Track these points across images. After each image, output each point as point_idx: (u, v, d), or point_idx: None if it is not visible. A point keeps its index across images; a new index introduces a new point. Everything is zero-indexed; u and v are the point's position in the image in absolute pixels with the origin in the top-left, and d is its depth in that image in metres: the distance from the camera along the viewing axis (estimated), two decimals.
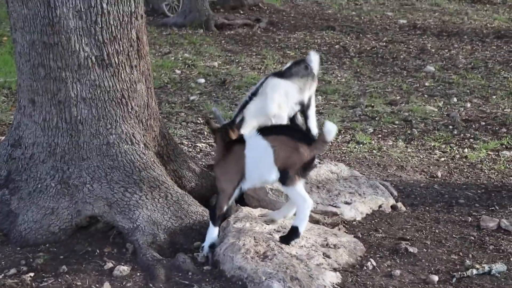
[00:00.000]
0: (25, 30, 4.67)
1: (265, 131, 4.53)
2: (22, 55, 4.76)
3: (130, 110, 4.85)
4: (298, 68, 5.76)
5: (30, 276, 4.31)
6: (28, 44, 4.69)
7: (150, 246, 4.56)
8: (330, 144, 7.19)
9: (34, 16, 4.60)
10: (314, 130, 5.79)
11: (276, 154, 4.41)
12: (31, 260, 4.51)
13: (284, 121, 5.55)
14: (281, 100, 5.47)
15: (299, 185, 4.44)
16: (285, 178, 4.42)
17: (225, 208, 4.57)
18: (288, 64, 5.87)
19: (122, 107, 4.82)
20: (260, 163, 4.47)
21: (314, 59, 5.93)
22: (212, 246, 4.55)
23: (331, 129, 4.34)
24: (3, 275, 4.34)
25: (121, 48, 4.75)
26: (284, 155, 4.40)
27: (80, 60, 4.65)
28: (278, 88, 5.49)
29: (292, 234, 4.52)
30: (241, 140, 4.59)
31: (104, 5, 4.65)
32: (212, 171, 5.86)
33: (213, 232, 4.58)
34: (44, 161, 4.80)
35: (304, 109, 5.82)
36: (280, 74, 5.68)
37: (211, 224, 4.58)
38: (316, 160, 5.84)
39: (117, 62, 4.75)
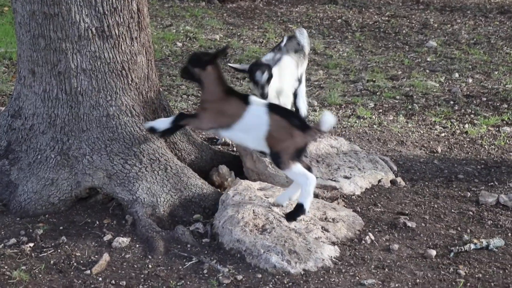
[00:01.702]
0: (26, 0, 4.64)
1: (272, 108, 4.54)
2: (22, 25, 4.74)
3: (130, 82, 4.84)
4: (293, 43, 5.70)
5: (30, 247, 4.34)
6: (28, 15, 4.67)
7: (149, 218, 4.57)
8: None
9: None
10: (304, 110, 5.71)
11: (269, 133, 4.44)
12: (30, 230, 4.53)
13: (290, 98, 5.46)
14: (289, 77, 5.42)
15: (296, 167, 4.45)
16: (278, 161, 4.46)
17: (187, 127, 4.85)
18: (285, 40, 5.77)
19: (122, 79, 4.81)
20: (251, 131, 4.51)
21: (303, 35, 5.82)
22: (152, 130, 4.73)
23: (328, 120, 4.37)
24: (2, 245, 4.36)
25: (121, 20, 4.73)
26: (277, 137, 4.43)
27: (80, 31, 4.63)
28: (288, 65, 5.43)
29: (297, 211, 4.53)
30: (244, 98, 4.60)
31: None
32: (207, 142, 5.87)
33: (165, 125, 4.70)
34: (44, 132, 4.80)
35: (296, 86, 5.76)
36: (282, 50, 5.63)
37: (171, 121, 4.68)
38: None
39: (117, 33, 4.73)
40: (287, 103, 5.42)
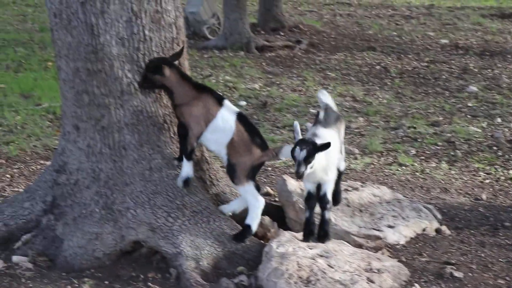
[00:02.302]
0: (69, 58, 4.74)
1: (240, 118, 4.72)
2: (67, 81, 4.83)
3: (172, 135, 4.88)
4: (330, 113, 5.01)
5: None
6: (72, 71, 4.76)
7: (194, 271, 4.56)
8: (372, 166, 7.17)
9: (78, 44, 4.67)
10: (342, 168, 5.14)
11: (231, 142, 4.66)
12: (76, 285, 4.54)
13: (335, 172, 4.88)
14: (334, 153, 4.81)
15: (249, 186, 4.68)
16: (233, 175, 4.69)
17: (194, 145, 4.73)
18: (322, 113, 4.99)
19: (164, 132, 4.86)
20: (216, 133, 4.70)
21: (326, 96, 5.16)
22: (187, 181, 4.76)
23: (286, 152, 4.57)
24: None
25: None
26: (236, 148, 4.65)
27: (123, 86, 4.70)
28: (331, 140, 4.65)
29: (245, 232, 4.76)
30: (218, 99, 4.75)
31: (147, 32, 4.70)
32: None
33: (189, 167, 4.75)
34: (88, 187, 4.84)
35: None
36: (321, 123, 4.89)
37: (185, 160, 4.73)
38: (358, 183, 5.81)
39: None
40: (331, 179, 4.83)
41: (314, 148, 4.45)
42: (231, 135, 4.66)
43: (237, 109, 4.78)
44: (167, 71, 4.65)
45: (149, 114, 4.79)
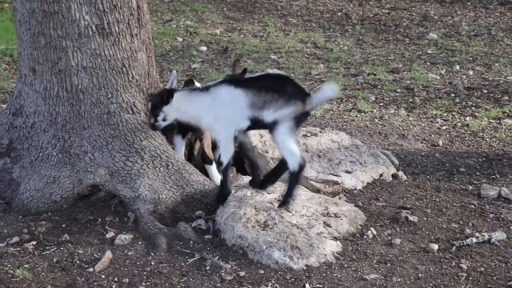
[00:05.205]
0: None
1: None
2: (23, 23, 4.75)
3: (131, 79, 4.84)
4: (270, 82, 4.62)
5: (32, 245, 4.34)
6: (28, 13, 4.67)
7: (152, 215, 4.58)
8: (332, 113, 7.20)
9: None
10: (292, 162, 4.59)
11: None
12: (33, 228, 4.54)
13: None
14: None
15: None
16: None
17: None
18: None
19: (122, 76, 4.81)
20: None
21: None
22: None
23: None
24: (5, 243, 4.37)
25: (121, 17, 4.73)
26: None
27: (80, 29, 4.64)
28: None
29: None
30: None
31: None
32: None
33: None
34: (45, 130, 4.80)
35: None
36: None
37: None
38: (317, 129, 5.84)
39: (117, 31, 4.73)
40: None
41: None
42: None
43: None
44: None
45: (107, 57, 4.74)
